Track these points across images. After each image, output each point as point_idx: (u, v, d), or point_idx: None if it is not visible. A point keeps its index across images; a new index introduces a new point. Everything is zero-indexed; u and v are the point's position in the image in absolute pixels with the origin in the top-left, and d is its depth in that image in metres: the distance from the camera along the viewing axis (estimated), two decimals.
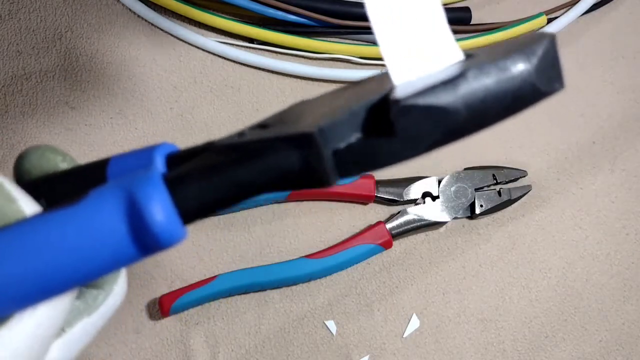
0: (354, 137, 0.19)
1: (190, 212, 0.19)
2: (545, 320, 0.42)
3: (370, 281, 0.43)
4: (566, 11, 0.50)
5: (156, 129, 0.45)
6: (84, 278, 0.19)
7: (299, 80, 0.47)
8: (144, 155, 0.21)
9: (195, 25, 0.48)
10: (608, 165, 0.47)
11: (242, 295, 0.41)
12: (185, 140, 0.45)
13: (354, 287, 0.42)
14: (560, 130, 0.48)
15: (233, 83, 0.47)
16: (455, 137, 0.18)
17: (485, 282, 0.43)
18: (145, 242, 0.18)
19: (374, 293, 0.42)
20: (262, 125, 0.20)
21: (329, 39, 0.48)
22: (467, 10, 0.50)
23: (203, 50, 0.48)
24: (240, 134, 0.20)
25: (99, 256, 0.18)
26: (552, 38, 0.19)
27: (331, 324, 0.41)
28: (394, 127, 0.18)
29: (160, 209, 0.18)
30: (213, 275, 0.41)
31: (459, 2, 0.51)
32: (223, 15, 0.48)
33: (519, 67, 0.18)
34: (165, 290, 0.41)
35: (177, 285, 0.41)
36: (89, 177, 0.22)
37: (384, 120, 0.18)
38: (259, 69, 0.47)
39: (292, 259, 0.42)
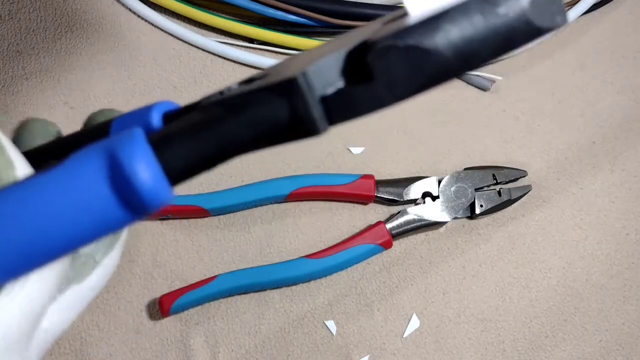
0: (340, 82, 0.18)
1: (176, 171, 0.18)
2: (545, 320, 0.42)
3: (370, 281, 0.43)
4: (566, 11, 0.50)
5: None
6: (72, 244, 0.18)
7: None
8: (143, 113, 0.21)
9: (195, 25, 0.48)
10: (608, 165, 0.47)
11: (242, 295, 0.41)
12: None
13: (354, 287, 0.42)
14: (560, 130, 0.48)
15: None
16: (440, 79, 0.17)
17: (485, 282, 0.43)
18: (131, 203, 0.17)
19: (374, 293, 0.42)
20: (251, 80, 0.20)
21: (329, 39, 0.48)
22: None
23: (203, 50, 0.48)
24: (228, 89, 0.20)
25: (85, 220, 0.18)
26: None
27: (331, 324, 0.41)
28: (371, 71, 0.17)
29: (144, 166, 0.17)
30: (213, 275, 0.41)
31: None
32: (223, 15, 0.48)
33: (509, 3, 0.17)
34: (165, 290, 0.41)
35: (177, 285, 0.41)
36: (94, 138, 0.21)
37: (363, 65, 0.17)
38: (259, 69, 0.47)
39: (292, 259, 0.42)
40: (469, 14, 0.17)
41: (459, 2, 0.17)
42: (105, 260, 0.22)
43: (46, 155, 0.22)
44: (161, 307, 0.40)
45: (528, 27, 0.17)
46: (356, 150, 0.46)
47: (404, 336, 0.41)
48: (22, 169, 0.20)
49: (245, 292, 0.41)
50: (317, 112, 0.18)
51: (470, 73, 0.48)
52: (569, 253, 0.44)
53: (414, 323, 0.42)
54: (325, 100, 0.18)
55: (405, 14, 0.18)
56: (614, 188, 0.46)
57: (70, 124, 0.44)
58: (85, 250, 0.22)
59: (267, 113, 0.18)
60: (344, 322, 0.42)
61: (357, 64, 0.18)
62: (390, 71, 0.17)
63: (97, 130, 0.22)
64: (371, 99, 0.18)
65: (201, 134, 0.18)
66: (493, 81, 0.48)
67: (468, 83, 0.48)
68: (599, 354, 0.42)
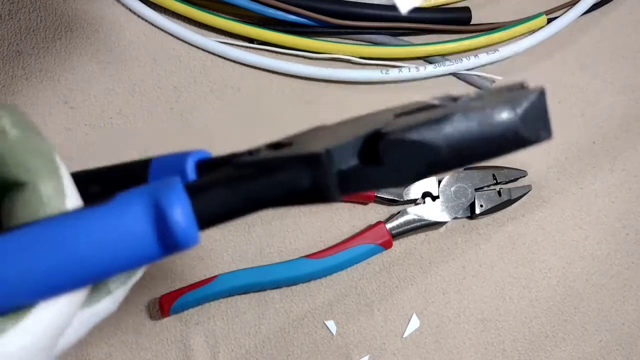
0: (354, 161, 0.21)
1: (205, 219, 0.21)
2: (545, 320, 0.42)
3: (370, 281, 0.43)
4: (566, 11, 0.50)
5: (156, 129, 0.45)
6: (107, 273, 0.21)
7: (299, 80, 0.47)
8: (179, 159, 0.24)
9: (195, 25, 0.48)
10: (608, 165, 0.47)
11: (242, 295, 0.41)
12: (185, 140, 0.45)
13: (354, 287, 0.42)
14: (560, 130, 0.48)
15: (233, 83, 0.47)
16: (437, 171, 0.20)
17: (485, 282, 0.43)
18: (165, 242, 0.20)
19: (374, 293, 0.42)
20: (278, 145, 0.23)
21: (329, 39, 0.48)
22: (467, 10, 0.50)
23: (203, 50, 0.48)
24: (258, 150, 0.23)
25: (123, 253, 0.20)
26: (541, 91, 0.20)
27: (331, 324, 0.41)
28: (381, 157, 0.20)
29: (181, 213, 0.20)
30: (213, 275, 0.41)
31: (459, 2, 0.51)
32: (223, 15, 0.48)
33: (503, 116, 0.20)
34: (165, 290, 0.41)
35: (177, 285, 0.41)
36: (133, 174, 0.25)
37: (374, 150, 0.20)
38: (259, 69, 0.47)
39: (292, 259, 0.42)
40: (468, 121, 0.20)
41: (460, 109, 0.20)
42: (117, 292, 0.24)
43: (90, 180, 0.25)
44: (161, 307, 0.40)
45: (516, 138, 0.20)
46: None
47: (404, 336, 0.41)
48: (73, 199, 0.22)
49: (245, 292, 0.41)
50: (333, 184, 0.21)
51: (471, 73, 0.48)
52: (569, 253, 0.44)
53: (414, 323, 0.42)
54: (340, 174, 0.21)
55: (414, 111, 0.22)
56: (614, 188, 0.46)
57: (70, 124, 0.44)
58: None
59: (292, 179, 0.21)
60: (344, 322, 0.42)
61: (370, 149, 0.21)
62: (396, 159, 0.20)
63: (136, 166, 0.25)
64: (377, 179, 0.21)
65: (231, 190, 0.21)
66: (493, 81, 0.48)
67: (468, 83, 0.48)
68: (599, 354, 0.42)
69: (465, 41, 0.48)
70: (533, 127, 0.20)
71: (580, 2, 0.50)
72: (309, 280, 0.42)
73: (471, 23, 0.50)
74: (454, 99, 0.22)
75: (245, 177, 0.21)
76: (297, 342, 0.41)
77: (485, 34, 0.49)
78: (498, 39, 0.49)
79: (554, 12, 0.50)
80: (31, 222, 0.20)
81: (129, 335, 0.40)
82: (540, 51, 0.50)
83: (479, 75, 0.48)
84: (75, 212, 0.20)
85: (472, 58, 0.48)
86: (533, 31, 0.49)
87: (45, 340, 0.21)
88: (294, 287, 0.42)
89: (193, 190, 0.21)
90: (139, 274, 0.25)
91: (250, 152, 0.23)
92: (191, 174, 0.24)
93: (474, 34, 0.49)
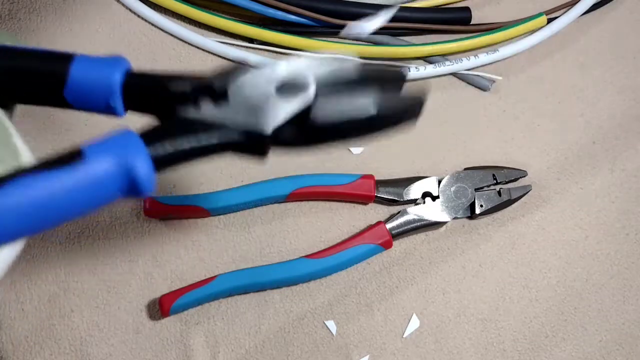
0: (286, 131, 0.26)
1: (159, 169, 0.25)
2: (545, 320, 0.42)
3: (370, 281, 0.43)
4: (566, 11, 0.50)
5: None
6: (70, 218, 0.23)
7: None
8: (105, 68, 0.26)
9: (195, 25, 0.48)
10: (608, 165, 0.47)
11: (242, 295, 0.41)
12: None
13: (354, 287, 0.42)
14: (560, 130, 0.48)
15: None
16: (347, 140, 0.28)
17: (485, 282, 0.43)
18: (128, 192, 0.24)
19: (374, 293, 0.42)
20: (210, 88, 0.26)
21: (329, 39, 0.48)
22: (467, 10, 0.50)
23: (203, 50, 0.48)
24: (189, 79, 0.27)
25: (88, 203, 0.23)
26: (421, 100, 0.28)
27: (331, 324, 0.41)
28: (308, 131, 0.27)
29: (146, 172, 0.24)
30: (213, 275, 0.41)
31: (459, 2, 0.51)
32: (223, 15, 0.48)
33: (360, 102, 0.27)
34: (165, 290, 0.41)
35: (177, 285, 0.41)
36: (51, 67, 0.27)
37: (304, 124, 0.27)
38: None
39: (292, 259, 0.42)
40: (329, 103, 0.27)
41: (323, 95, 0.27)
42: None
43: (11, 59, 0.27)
44: (161, 307, 0.40)
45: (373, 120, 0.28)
46: (356, 150, 0.46)
47: (404, 336, 0.41)
48: (26, 156, 0.24)
49: (245, 292, 0.41)
50: (268, 146, 0.27)
51: (471, 73, 0.48)
52: (569, 253, 0.44)
53: (414, 323, 0.42)
54: (274, 140, 0.26)
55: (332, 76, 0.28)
56: (614, 188, 0.46)
57: (70, 124, 0.44)
58: None
59: (238, 141, 0.26)
60: (344, 322, 0.42)
61: (299, 123, 0.27)
62: (320, 132, 0.27)
63: (57, 59, 0.27)
64: (300, 143, 0.27)
65: (185, 146, 0.25)
66: (493, 81, 0.48)
67: (468, 83, 0.48)
68: (599, 354, 0.42)
69: (465, 41, 0.48)
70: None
71: (580, 2, 0.50)
72: (309, 280, 0.42)
73: (471, 23, 0.50)
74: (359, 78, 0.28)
75: (195, 133, 0.25)
76: (297, 342, 0.41)
77: (485, 34, 0.49)
78: (498, 39, 0.49)
79: (554, 12, 0.50)
80: (8, 182, 0.22)
81: (129, 335, 0.40)
82: (540, 51, 0.50)
83: (479, 75, 0.48)
84: (50, 173, 0.22)
85: (472, 58, 0.48)
86: (533, 31, 0.49)
87: None
88: (294, 287, 0.42)
89: (150, 142, 0.24)
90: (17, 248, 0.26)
91: (184, 93, 0.26)
92: (116, 88, 0.26)
93: (474, 34, 0.49)
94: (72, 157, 0.23)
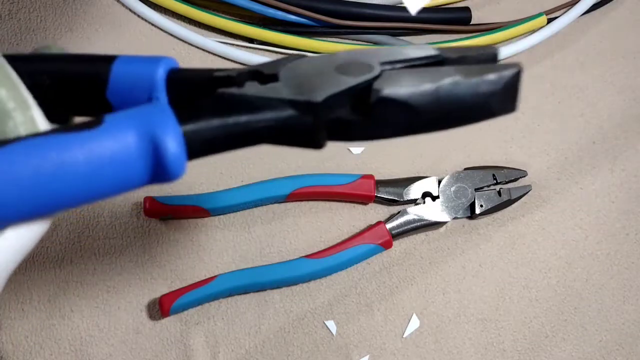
0: (344, 111, 0.22)
1: (193, 151, 0.21)
2: (545, 320, 0.42)
3: (370, 281, 0.43)
4: (566, 11, 0.50)
5: None
6: (88, 200, 0.20)
7: None
8: (148, 65, 0.23)
9: (195, 25, 0.48)
10: (608, 165, 0.47)
11: (242, 295, 0.41)
12: None
13: (354, 287, 0.42)
14: (560, 130, 0.48)
15: None
16: (416, 131, 0.22)
17: (485, 282, 0.43)
18: (154, 171, 0.20)
19: (374, 293, 0.42)
20: (261, 74, 0.22)
21: (329, 39, 0.48)
22: (467, 10, 0.50)
23: (203, 50, 0.48)
24: (239, 74, 0.22)
25: (109, 180, 0.20)
26: (520, 68, 0.22)
27: (331, 324, 0.41)
28: (371, 112, 0.21)
29: (175, 143, 0.20)
30: (213, 275, 0.41)
31: (459, 2, 0.51)
32: (223, 15, 0.48)
33: (489, 87, 0.21)
34: (165, 290, 0.41)
35: (177, 285, 0.41)
36: (92, 70, 0.24)
37: (365, 103, 0.21)
38: None
39: (292, 259, 0.42)
40: (457, 88, 0.22)
41: (449, 77, 0.21)
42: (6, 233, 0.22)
43: (42, 69, 0.25)
44: (161, 307, 0.40)
45: (492, 107, 0.22)
46: (356, 150, 0.46)
47: (404, 336, 0.41)
48: (36, 110, 0.21)
49: (245, 292, 0.41)
50: (322, 132, 0.22)
51: None
52: (569, 253, 0.44)
53: (414, 323, 0.42)
54: (330, 122, 0.22)
55: (399, 61, 0.23)
56: (614, 188, 0.46)
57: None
58: None
59: (285, 121, 0.21)
60: (344, 322, 0.42)
61: (361, 102, 0.21)
62: (384, 116, 0.21)
63: (98, 61, 0.24)
64: (363, 132, 0.22)
65: (223, 123, 0.21)
66: None
67: None
68: (599, 354, 0.42)
69: (465, 41, 0.48)
70: (509, 98, 0.22)
71: (580, 2, 0.50)
72: (309, 280, 0.42)
73: (471, 23, 0.50)
74: (439, 61, 0.24)
75: (236, 112, 0.21)
76: (297, 342, 0.41)
77: (485, 34, 0.49)
78: (498, 39, 0.49)
79: (554, 12, 0.50)
80: (15, 142, 0.19)
81: (129, 335, 0.40)
82: (540, 51, 0.50)
83: None
84: (61, 135, 0.19)
85: None
86: (533, 31, 0.49)
87: (5, 262, 0.20)
88: (294, 287, 0.42)
89: (183, 120, 0.20)
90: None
91: (229, 77, 0.22)
92: (160, 83, 0.23)
93: (474, 34, 0.49)
94: (87, 124, 0.20)
